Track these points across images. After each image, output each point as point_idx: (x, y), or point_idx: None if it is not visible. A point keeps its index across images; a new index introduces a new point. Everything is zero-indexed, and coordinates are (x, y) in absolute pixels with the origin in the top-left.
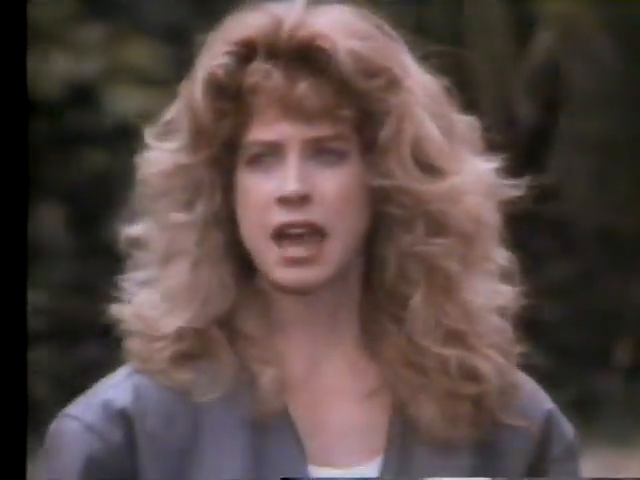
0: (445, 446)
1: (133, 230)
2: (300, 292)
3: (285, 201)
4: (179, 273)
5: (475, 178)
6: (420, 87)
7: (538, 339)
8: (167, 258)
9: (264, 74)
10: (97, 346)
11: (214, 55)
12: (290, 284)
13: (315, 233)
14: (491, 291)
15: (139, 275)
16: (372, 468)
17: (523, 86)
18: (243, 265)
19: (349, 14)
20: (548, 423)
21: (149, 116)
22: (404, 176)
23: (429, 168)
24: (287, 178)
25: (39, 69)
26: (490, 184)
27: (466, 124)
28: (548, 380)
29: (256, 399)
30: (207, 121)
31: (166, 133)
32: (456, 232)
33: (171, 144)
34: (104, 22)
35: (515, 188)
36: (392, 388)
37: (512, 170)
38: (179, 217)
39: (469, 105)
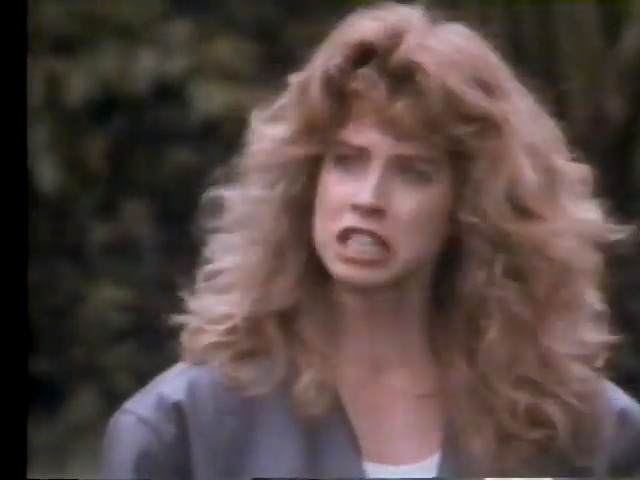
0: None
1: (218, 192)
2: (358, 291)
3: (358, 209)
4: (249, 254)
5: (572, 225)
6: (523, 127)
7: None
8: (242, 235)
9: (370, 82)
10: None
11: (332, 54)
12: (348, 280)
13: (379, 245)
14: (576, 340)
15: (222, 239)
16: (428, 466)
17: (612, 83)
18: (311, 260)
19: (465, 40)
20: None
21: (235, 113)
22: (495, 215)
23: (521, 211)
24: (365, 188)
25: (126, 67)
26: (590, 231)
27: (574, 169)
28: None
29: (300, 400)
30: (320, 115)
31: (274, 118)
32: (537, 278)
33: (278, 130)
34: (190, 19)
35: (618, 232)
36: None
37: (599, 169)
38: (259, 193)
39: (558, 103)
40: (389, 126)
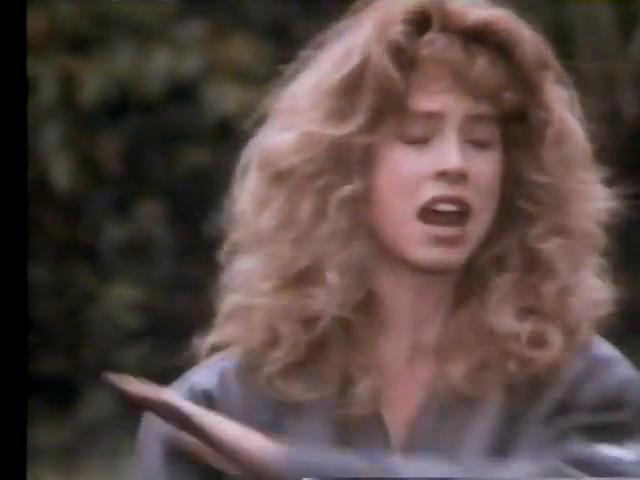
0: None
1: (261, 216)
2: (440, 272)
3: (445, 175)
4: (307, 247)
5: (597, 184)
6: (564, 92)
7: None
8: (290, 229)
9: (444, 45)
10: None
11: (388, 23)
12: (434, 263)
13: (463, 213)
14: (590, 286)
15: (245, 260)
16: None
17: (628, 81)
18: (370, 253)
19: (507, 13)
20: (588, 371)
21: (249, 113)
22: (565, 173)
23: (571, 165)
24: (450, 153)
25: (140, 66)
26: (604, 195)
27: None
28: None
29: (350, 404)
30: (396, 88)
31: (293, 113)
32: (576, 237)
33: (347, 126)
34: (204, 19)
35: (616, 198)
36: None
37: (618, 168)
38: (342, 191)
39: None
40: (468, 87)
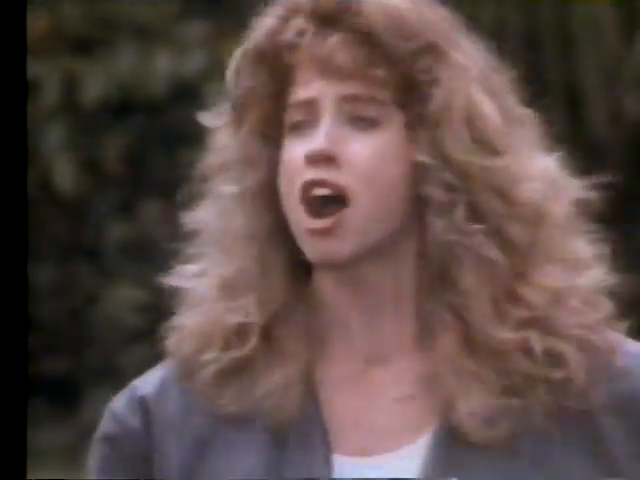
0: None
1: (192, 217)
2: (331, 266)
3: (311, 158)
4: (233, 257)
5: (536, 167)
6: (475, 65)
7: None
8: (220, 239)
9: (297, 32)
10: None
11: (260, 26)
12: (316, 256)
13: (338, 198)
14: (568, 276)
15: (192, 267)
16: (405, 454)
17: (630, 81)
18: (292, 256)
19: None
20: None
21: None
22: (455, 151)
23: (482, 145)
24: (316, 137)
25: (143, 67)
26: (553, 177)
27: (526, 116)
28: None
29: (285, 410)
30: (250, 86)
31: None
32: (504, 221)
33: (223, 119)
34: (207, 20)
35: (585, 188)
36: (442, 384)
37: (618, 168)
38: (229, 189)
39: (576, 100)
40: (327, 69)
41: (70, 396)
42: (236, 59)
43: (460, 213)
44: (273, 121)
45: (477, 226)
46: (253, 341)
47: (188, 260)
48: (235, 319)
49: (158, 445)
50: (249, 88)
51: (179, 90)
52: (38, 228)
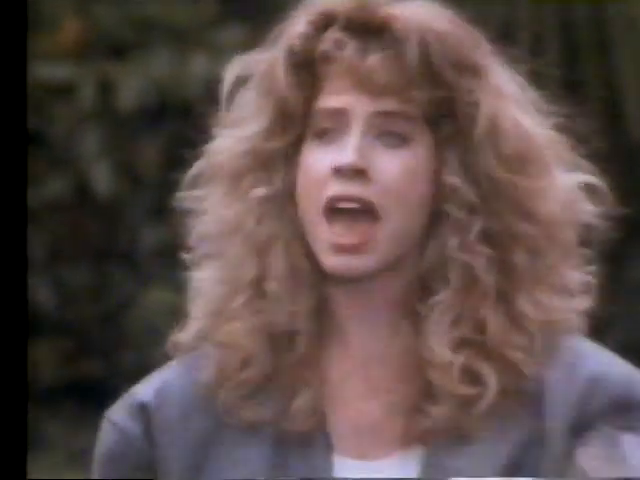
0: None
1: (207, 221)
2: (350, 280)
3: (340, 172)
4: (264, 260)
5: (556, 188)
6: (510, 85)
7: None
8: (248, 241)
9: (337, 43)
10: None
11: (293, 26)
12: (339, 272)
13: (367, 213)
14: (549, 305)
15: (214, 264)
16: (403, 460)
17: None
18: (310, 264)
19: (434, 9)
20: (589, 384)
21: None
22: (487, 172)
23: (522, 163)
24: (346, 149)
25: (179, 71)
26: (570, 199)
27: (555, 138)
28: None
29: (289, 420)
30: (292, 97)
31: (236, 122)
32: (514, 245)
33: (249, 128)
34: (243, 24)
35: (599, 216)
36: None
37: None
38: (259, 191)
39: (612, 104)
40: (363, 83)
41: (105, 399)
42: (266, 61)
43: (475, 234)
44: (298, 128)
45: (485, 249)
46: (301, 348)
47: (208, 260)
48: (283, 323)
49: (160, 450)
50: (290, 93)
51: (215, 94)
52: (74, 232)
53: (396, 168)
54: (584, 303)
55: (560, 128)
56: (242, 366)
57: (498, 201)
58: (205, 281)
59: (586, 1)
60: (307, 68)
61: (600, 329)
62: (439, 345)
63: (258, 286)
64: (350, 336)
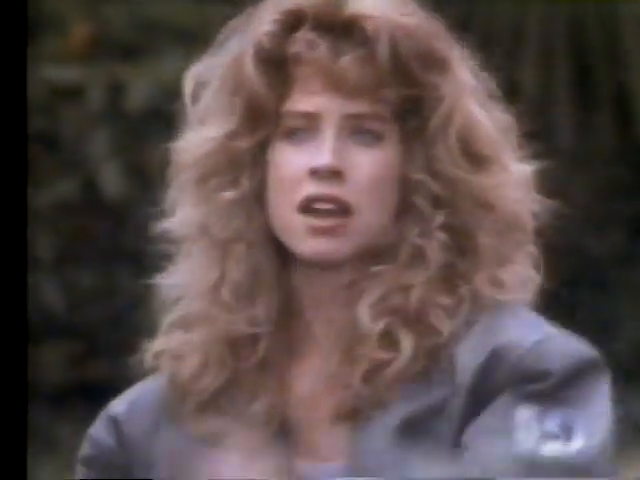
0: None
1: (173, 221)
2: (326, 263)
3: (317, 173)
4: (228, 262)
5: (515, 177)
6: (471, 78)
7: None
8: (217, 241)
9: (309, 44)
10: None
11: (261, 24)
12: (316, 254)
13: (341, 211)
14: (506, 283)
15: (183, 266)
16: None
17: None
18: (280, 262)
19: (399, 2)
20: (494, 354)
21: None
22: (450, 164)
23: (475, 159)
24: (322, 151)
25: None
26: (529, 185)
27: (507, 122)
28: None
29: (249, 423)
30: (262, 93)
31: (202, 120)
32: (478, 235)
33: (215, 127)
34: None
35: (540, 205)
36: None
37: None
38: (228, 194)
39: (625, 100)
40: (336, 85)
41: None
42: (232, 59)
43: (436, 223)
44: (269, 124)
45: (442, 235)
46: (260, 352)
47: (176, 264)
48: (240, 330)
49: (136, 459)
50: (261, 91)
51: None
52: (83, 233)
53: (371, 167)
54: (535, 282)
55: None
56: (194, 379)
57: (457, 194)
58: (170, 288)
59: (597, 0)
60: (277, 67)
61: (611, 328)
62: (364, 315)
63: (216, 292)
64: (315, 329)
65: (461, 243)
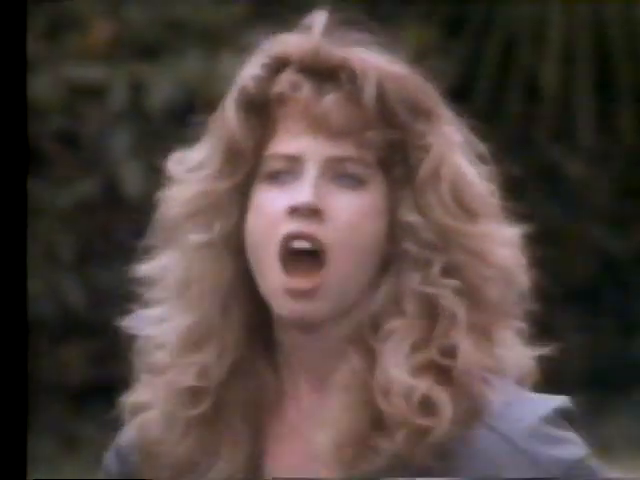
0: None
1: (148, 267)
2: (304, 326)
3: (297, 211)
4: (195, 307)
5: (506, 234)
6: (458, 132)
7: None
8: (184, 287)
9: (292, 84)
10: None
11: (249, 68)
12: (292, 317)
13: (319, 253)
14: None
15: (153, 312)
16: None
17: None
18: (253, 309)
19: (388, 56)
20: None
21: None
22: (442, 213)
23: (465, 209)
24: (302, 189)
25: (209, 72)
26: (517, 247)
27: (490, 188)
28: None
29: (221, 469)
30: (242, 136)
31: (193, 167)
32: (474, 278)
33: (201, 172)
34: (273, 24)
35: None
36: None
37: None
38: (198, 237)
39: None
40: (319, 126)
41: None
42: (225, 106)
43: (437, 269)
44: (247, 167)
45: (451, 281)
46: (204, 406)
47: (147, 306)
48: (188, 381)
49: None
50: (239, 134)
51: None
52: (104, 232)
53: (351, 209)
54: (536, 351)
55: (498, 179)
56: (157, 442)
57: (451, 242)
58: (142, 332)
59: (618, 0)
60: (259, 110)
61: (634, 327)
62: (399, 371)
63: (170, 339)
64: (297, 368)
65: (470, 294)
